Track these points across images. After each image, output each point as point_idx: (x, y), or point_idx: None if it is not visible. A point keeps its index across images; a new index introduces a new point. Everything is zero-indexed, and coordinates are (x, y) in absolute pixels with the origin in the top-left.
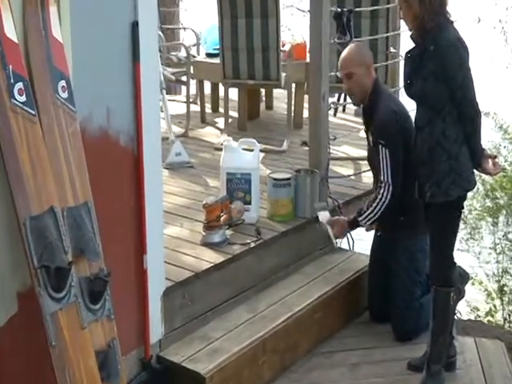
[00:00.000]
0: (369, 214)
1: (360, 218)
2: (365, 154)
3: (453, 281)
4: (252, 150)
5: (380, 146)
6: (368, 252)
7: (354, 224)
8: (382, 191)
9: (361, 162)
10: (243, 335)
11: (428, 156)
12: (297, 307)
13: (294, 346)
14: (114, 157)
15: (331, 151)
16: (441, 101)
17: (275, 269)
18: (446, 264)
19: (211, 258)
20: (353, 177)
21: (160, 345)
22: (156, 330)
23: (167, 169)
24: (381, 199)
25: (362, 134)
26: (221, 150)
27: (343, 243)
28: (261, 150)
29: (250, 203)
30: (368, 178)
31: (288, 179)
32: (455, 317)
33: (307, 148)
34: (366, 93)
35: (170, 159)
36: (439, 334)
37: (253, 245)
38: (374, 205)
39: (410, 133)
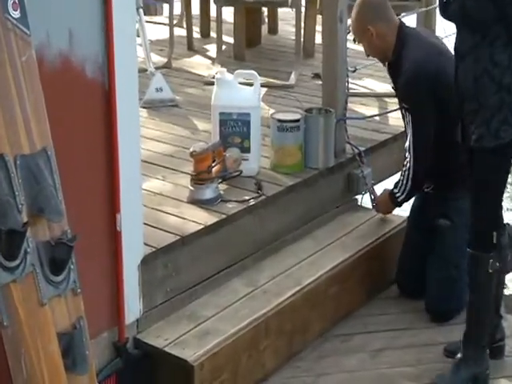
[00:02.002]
0: (401, 186)
1: (395, 190)
2: (392, 88)
3: (498, 245)
4: (251, 85)
5: (403, 111)
6: (399, 211)
7: (392, 197)
8: (405, 162)
9: (387, 99)
10: (240, 314)
11: (474, 88)
12: (306, 280)
13: (303, 328)
14: (80, 91)
15: (350, 86)
16: (486, 20)
17: (280, 232)
18: (491, 225)
19: (200, 218)
20: (377, 118)
21: (138, 325)
22: (132, 307)
23: (146, 108)
24: (405, 170)
25: None
26: (212, 84)
27: (365, 201)
28: (262, 85)
29: (248, 151)
30: (396, 119)
31: (296, 121)
32: (504, 292)
33: (320, 82)
34: (387, 51)
35: (150, 96)
36: (477, 310)
37: (252, 202)
38: (402, 178)
39: (447, 88)
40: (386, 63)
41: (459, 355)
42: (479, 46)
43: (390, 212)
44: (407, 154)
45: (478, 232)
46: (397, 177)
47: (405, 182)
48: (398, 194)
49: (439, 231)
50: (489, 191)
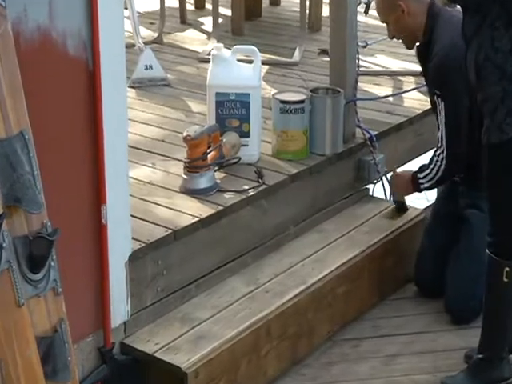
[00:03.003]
0: (427, 174)
1: (420, 175)
2: (408, 66)
3: None
4: (251, 62)
5: (435, 97)
6: (415, 203)
7: (414, 181)
8: (438, 152)
9: (402, 78)
10: (239, 315)
11: (476, 76)
12: (312, 278)
13: (309, 331)
14: (61, 69)
15: (361, 63)
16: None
17: (283, 225)
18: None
19: (195, 210)
20: (391, 98)
21: (125, 329)
22: (119, 308)
23: (134, 87)
24: (437, 161)
25: None
26: (208, 61)
27: (377, 190)
28: (263, 62)
29: (248, 135)
30: (412, 100)
31: (301, 102)
32: None
33: (327, 59)
34: (417, 32)
35: (138, 74)
36: (490, 316)
37: (252, 192)
38: (432, 166)
39: None
40: (416, 46)
41: (474, 358)
42: (481, 28)
43: (407, 194)
44: (439, 143)
45: (501, 236)
46: (411, 163)
47: (434, 172)
48: (421, 181)
49: (466, 223)
50: (504, 193)
